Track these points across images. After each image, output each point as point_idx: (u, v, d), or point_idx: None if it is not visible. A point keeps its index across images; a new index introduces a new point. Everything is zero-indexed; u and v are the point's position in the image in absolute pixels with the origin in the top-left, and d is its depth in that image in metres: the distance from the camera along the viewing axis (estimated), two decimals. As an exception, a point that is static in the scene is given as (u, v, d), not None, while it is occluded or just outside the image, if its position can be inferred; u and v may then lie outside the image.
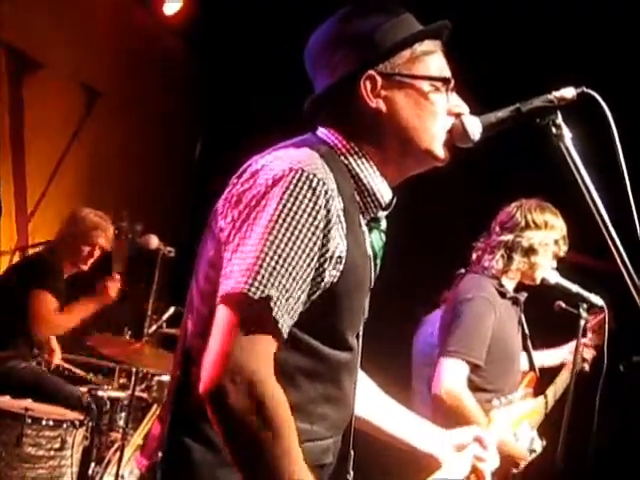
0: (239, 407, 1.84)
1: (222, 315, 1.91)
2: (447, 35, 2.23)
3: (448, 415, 3.84)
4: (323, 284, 1.98)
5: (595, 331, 4.63)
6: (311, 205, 1.93)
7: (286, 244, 1.90)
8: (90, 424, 5.18)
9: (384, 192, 2.17)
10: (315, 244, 1.93)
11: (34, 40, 6.20)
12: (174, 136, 7.51)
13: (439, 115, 2.17)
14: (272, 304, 1.87)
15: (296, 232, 1.91)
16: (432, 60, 2.18)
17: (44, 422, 4.80)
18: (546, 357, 4.71)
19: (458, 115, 2.20)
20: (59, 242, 5.61)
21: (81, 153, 6.78)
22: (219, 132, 7.56)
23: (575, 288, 4.30)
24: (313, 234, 1.93)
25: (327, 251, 1.95)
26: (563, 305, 4.50)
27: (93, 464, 5.29)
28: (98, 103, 6.77)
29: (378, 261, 2.22)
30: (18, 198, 6.28)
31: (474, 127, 2.20)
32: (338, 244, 1.98)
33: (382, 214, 2.21)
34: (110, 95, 6.83)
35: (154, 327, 5.67)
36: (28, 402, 4.91)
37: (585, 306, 4.27)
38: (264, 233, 1.90)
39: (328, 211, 1.95)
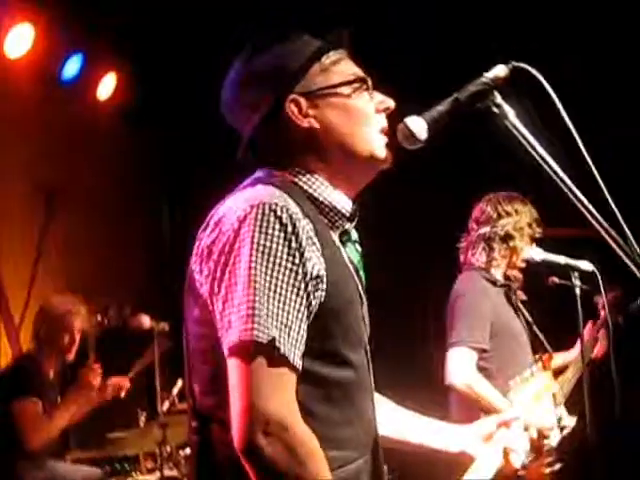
0: (276, 459, 1.87)
1: (234, 368, 1.93)
2: (348, 40, 2.28)
3: (468, 403, 3.94)
4: (312, 307, 2.00)
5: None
6: (282, 235, 1.96)
7: (271, 281, 1.93)
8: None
9: (344, 203, 2.20)
10: (297, 272, 1.96)
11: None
12: (139, 209, 7.53)
13: (369, 115, 2.22)
14: (277, 343, 1.90)
15: (277, 267, 1.94)
16: (343, 67, 2.23)
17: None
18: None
19: (386, 110, 2.25)
20: (38, 341, 5.47)
21: (54, 251, 6.78)
22: (181, 196, 7.59)
23: (562, 259, 4.33)
24: (293, 263, 1.96)
25: (306, 274, 1.98)
26: (557, 280, 4.58)
27: None
28: (58, 199, 6.77)
29: (362, 273, 2.24)
30: (3, 312, 6.28)
31: (419, 127, 2.21)
32: (315, 264, 2.00)
33: (350, 226, 2.24)
34: (68, 188, 6.82)
35: (167, 404, 5.65)
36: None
37: (576, 274, 4.30)
38: (248, 276, 1.93)
39: (297, 235, 1.98)
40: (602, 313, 4.68)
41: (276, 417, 1.89)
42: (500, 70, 2.24)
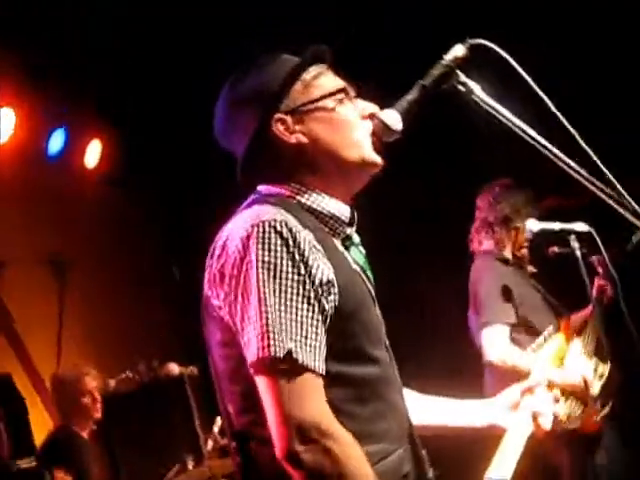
0: (317, 463, 1.90)
1: (262, 385, 1.96)
2: (329, 54, 2.29)
3: (504, 379, 3.99)
4: (327, 312, 2.00)
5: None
6: (285, 249, 1.97)
7: (281, 296, 1.95)
8: None
9: (342, 211, 2.21)
10: (305, 282, 1.97)
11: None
12: (146, 263, 7.51)
13: (354, 123, 2.22)
14: (295, 354, 1.91)
15: (284, 281, 1.96)
16: (323, 80, 2.23)
17: None
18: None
19: (371, 116, 2.24)
20: (63, 413, 5.51)
21: (74, 319, 6.81)
22: (183, 242, 7.56)
23: (558, 225, 4.40)
24: (299, 274, 1.97)
25: (314, 282, 1.99)
26: (557, 249, 4.62)
27: None
28: (67, 269, 6.80)
29: (369, 273, 2.24)
30: (37, 386, 6.27)
31: (393, 119, 2.22)
32: (323, 270, 2.01)
33: (351, 231, 2.24)
34: (76, 257, 6.84)
35: (211, 443, 5.62)
36: None
37: (573, 237, 4.33)
38: (258, 294, 1.95)
39: (299, 246, 1.99)
40: (600, 270, 4.69)
41: (310, 424, 1.91)
42: (458, 50, 2.24)
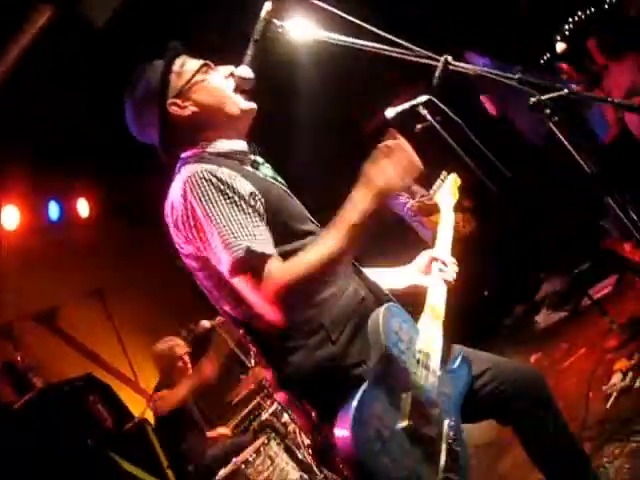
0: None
1: (239, 281, 2.01)
2: (182, 48, 2.34)
3: None
4: (261, 214, 2.07)
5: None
6: (212, 186, 2.03)
7: (223, 217, 2.00)
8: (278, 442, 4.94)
9: (240, 146, 2.28)
10: (235, 200, 2.03)
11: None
12: (160, 265, 7.37)
13: (221, 84, 2.28)
14: (252, 248, 1.97)
15: (221, 206, 2.01)
16: (188, 65, 2.30)
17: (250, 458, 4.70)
18: None
19: (231, 74, 2.30)
20: (164, 373, 5.54)
21: (126, 325, 6.85)
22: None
23: (407, 105, 4.27)
24: (229, 197, 2.03)
25: (242, 197, 2.05)
26: (419, 125, 4.53)
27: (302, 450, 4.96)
28: (105, 293, 6.81)
29: (279, 179, 2.31)
30: (117, 376, 6.38)
31: (246, 72, 2.28)
32: (244, 186, 2.08)
33: (254, 157, 2.30)
34: (108, 282, 6.85)
35: (252, 359, 5.66)
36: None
37: (421, 107, 4.25)
38: (209, 223, 2.01)
39: (221, 180, 2.05)
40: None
41: (285, 286, 1.97)
42: (267, 5, 2.26)
